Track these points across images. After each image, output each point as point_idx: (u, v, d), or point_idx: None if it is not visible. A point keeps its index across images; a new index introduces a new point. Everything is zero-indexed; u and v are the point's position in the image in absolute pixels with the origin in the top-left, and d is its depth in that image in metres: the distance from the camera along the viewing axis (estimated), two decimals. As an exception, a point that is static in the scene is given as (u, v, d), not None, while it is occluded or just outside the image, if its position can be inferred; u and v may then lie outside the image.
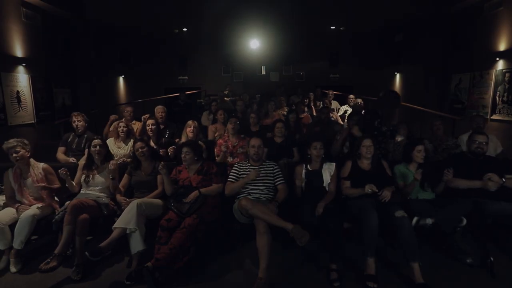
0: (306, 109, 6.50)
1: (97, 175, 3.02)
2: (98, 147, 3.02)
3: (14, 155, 2.81)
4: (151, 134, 3.88)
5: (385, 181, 2.87)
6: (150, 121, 3.92)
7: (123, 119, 4.34)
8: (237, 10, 8.01)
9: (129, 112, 4.60)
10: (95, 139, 3.07)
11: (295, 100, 7.56)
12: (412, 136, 3.91)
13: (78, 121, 3.79)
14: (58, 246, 2.64)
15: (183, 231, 2.55)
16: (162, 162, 2.89)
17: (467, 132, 3.76)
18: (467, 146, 3.07)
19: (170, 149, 3.65)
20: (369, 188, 2.68)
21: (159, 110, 4.47)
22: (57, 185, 3.00)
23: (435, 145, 3.68)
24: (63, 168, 2.85)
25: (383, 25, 9.74)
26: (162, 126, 4.32)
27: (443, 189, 2.90)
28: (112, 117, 4.59)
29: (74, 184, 3.02)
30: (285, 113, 5.88)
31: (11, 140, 2.85)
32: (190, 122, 3.92)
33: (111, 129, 4.26)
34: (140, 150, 3.03)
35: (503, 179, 2.74)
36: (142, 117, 4.40)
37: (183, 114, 6.60)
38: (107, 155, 3.13)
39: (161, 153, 3.58)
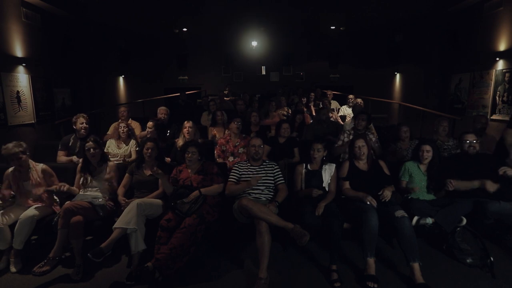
0: (305, 109, 6.50)
1: (95, 176, 3.02)
2: (92, 150, 3.00)
3: (17, 161, 2.79)
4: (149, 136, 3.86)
5: (383, 180, 2.87)
6: (149, 123, 3.93)
7: (120, 120, 4.33)
8: (237, 10, 8.01)
9: (122, 112, 4.56)
10: (88, 142, 3.02)
11: (295, 100, 7.56)
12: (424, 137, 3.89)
13: (85, 124, 3.64)
14: (52, 250, 2.64)
15: (183, 231, 2.55)
16: (155, 167, 2.84)
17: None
18: (460, 147, 3.10)
19: (167, 160, 3.63)
20: (369, 201, 2.67)
21: (161, 111, 4.48)
22: (55, 186, 2.94)
23: (437, 145, 3.67)
24: (61, 184, 2.84)
25: (383, 25, 9.74)
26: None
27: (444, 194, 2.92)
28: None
29: (75, 188, 3.01)
30: (285, 113, 5.88)
31: (10, 146, 2.77)
32: (185, 122, 3.87)
33: (111, 130, 4.25)
34: (150, 150, 3.04)
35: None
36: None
37: (183, 114, 6.60)
38: (103, 156, 3.12)
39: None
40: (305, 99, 7.11)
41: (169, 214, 2.71)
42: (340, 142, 3.83)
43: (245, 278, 2.55)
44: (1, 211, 2.76)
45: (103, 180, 3.01)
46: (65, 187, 2.83)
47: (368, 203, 2.66)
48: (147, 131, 3.92)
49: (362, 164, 2.97)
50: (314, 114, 6.34)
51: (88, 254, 2.42)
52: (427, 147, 2.93)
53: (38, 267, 2.59)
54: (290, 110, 6.23)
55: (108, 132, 4.34)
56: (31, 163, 2.94)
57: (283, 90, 8.93)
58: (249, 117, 4.75)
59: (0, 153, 2.80)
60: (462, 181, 2.84)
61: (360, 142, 2.93)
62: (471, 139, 2.98)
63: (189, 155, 2.97)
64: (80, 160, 3.18)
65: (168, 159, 3.63)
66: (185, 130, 3.82)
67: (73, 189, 2.97)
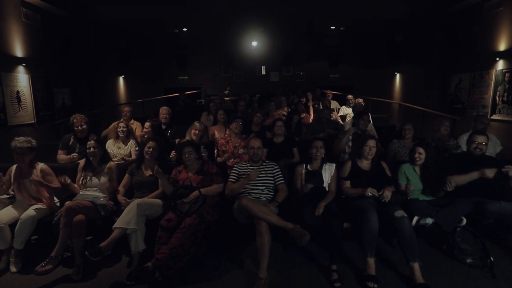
0: (303, 108, 6.51)
1: (95, 176, 3.02)
2: (92, 148, 3.00)
3: (20, 157, 2.80)
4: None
5: (384, 181, 2.87)
6: (146, 124, 3.93)
7: (122, 119, 4.32)
8: (237, 10, 8.01)
9: (125, 112, 4.58)
10: (90, 140, 3.04)
11: (295, 100, 7.56)
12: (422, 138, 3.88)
13: (81, 126, 3.63)
14: (54, 249, 2.63)
15: (183, 231, 2.55)
16: (156, 166, 2.85)
17: (467, 132, 3.76)
18: (467, 146, 3.07)
19: (172, 154, 3.63)
20: (370, 192, 2.68)
21: (163, 111, 4.49)
22: (56, 184, 2.95)
23: (437, 145, 3.67)
24: (62, 176, 2.82)
25: (383, 25, 9.74)
26: (164, 127, 4.33)
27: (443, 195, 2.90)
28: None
29: (76, 186, 3.02)
30: (285, 113, 5.88)
31: (22, 139, 2.79)
32: (196, 124, 3.87)
33: (110, 130, 4.24)
34: (151, 149, 3.04)
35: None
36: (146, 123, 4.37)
37: (183, 114, 6.61)
38: (104, 156, 3.12)
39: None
40: (304, 99, 7.10)
41: (169, 214, 2.71)
42: None
43: (245, 278, 2.55)
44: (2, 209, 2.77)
45: (104, 177, 3.02)
46: (67, 180, 2.83)
47: (369, 194, 2.66)
48: (145, 132, 3.92)
49: (365, 164, 2.97)
50: (312, 114, 6.34)
51: (86, 252, 2.41)
52: (420, 150, 2.91)
53: (40, 266, 2.58)
54: (290, 110, 6.22)
55: (108, 132, 4.33)
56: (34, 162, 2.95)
57: (283, 90, 8.93)
58: (251, 117, 4.75)
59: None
60: (460, 176, 2.83)
61: (372, 143, 2.92)
62: (480, 140, 2.93)
63: (186, 155, 2.96)
64: (81, 160, 3.18)
65: (173, 153, 3.62)
66: (193, 131, 3.82)
67: (74, 186, 2.98)
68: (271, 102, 6.08)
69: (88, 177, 3.01)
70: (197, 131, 3.81)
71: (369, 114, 4.02)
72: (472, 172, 2.83)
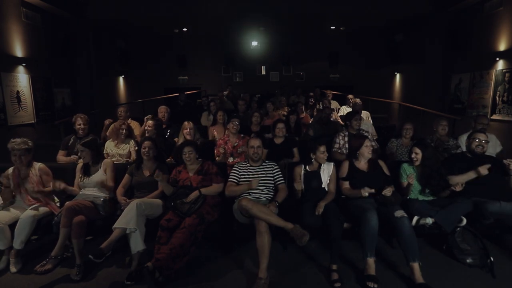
0: (307, 109, 6.51)
1: (92, 176, 3.02)
2: (79, 152, 3.04)
3: (17, 158, 2.80)
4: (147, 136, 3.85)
5: (383, 180, 2.86)
6: (149, 122, 3.92)
7: (118, 120, 4.31)
8: (237, 10, 8.02)
9: (121, 112, 4.55)
10: (80, 144, 3.04)
11: (295, 100, 7.56)
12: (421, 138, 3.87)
13: (83, 124, 3.68)
14: (54, 249, 2.64)
15: (183, 231, 2.55)
16: (157, 170, 2.85)
17: (467, 132, 3.76)
18: (467, 145, 3.06)
19: (169, 160, 3.62)
20: (365, 192, 2.67)
21: (162, 110, 4.49)
22: (50, 188, 2.91)
23: (436, 145, 3.67)
24: (58, 182, 2.78)
25: (383, 25, 9.75)
26: (164, 126, 4.33)
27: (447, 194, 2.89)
28: (107, 121, 4.53)
29: (74, 188, 3.01)
30: (285, 113, 5.88)
31: (18, 141, 2.81)
32: (186, 123, 3.86)
33: (109, 130, 4.25)
34: (147, 149, 3.03)
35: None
36: (145, 118, 4.37)
37: (183, 114, 6.60)
38: (98, 155, 3.10)
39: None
40: (313, 100, 7.07)
41: (169, 214, 2.71)
42: (337, 145, 3.81)
43: (245, 278, 2.55)
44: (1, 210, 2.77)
45: (100, 175, 3.01)
46: (61, 185, 2.79)
47: (366, 194, 2.65)
48: (146, 130, 3.91)
49: (362, 164, 2.97)
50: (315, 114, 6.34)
51: (89, 256, 2.42)
52: (416, 150, 2.90)
53: (40, 265, 2.59)
54: (290, 109, 6.22)
55: (107, 133, 4.34)
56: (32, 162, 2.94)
57: (282, 90, 8.92)
58: (251, 117, 4.75)
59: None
60: (457, 176, 2.83)
61: (368, 142, 2.92)
62: (482, 138, 2.95)
63: (186, 155, 2.96)
64: (80, 161, 3.18)
65: (170, 159, 3.61)
66: (185, 131, 3.82)
67: (71, 189, 2.96)
68: (269, 102, 6.09)
69: (86, 177, 3.01)
70: (187, 130, 3.81)
71: (368, 112, 4.01)
72: (468, 172, 2.84)
